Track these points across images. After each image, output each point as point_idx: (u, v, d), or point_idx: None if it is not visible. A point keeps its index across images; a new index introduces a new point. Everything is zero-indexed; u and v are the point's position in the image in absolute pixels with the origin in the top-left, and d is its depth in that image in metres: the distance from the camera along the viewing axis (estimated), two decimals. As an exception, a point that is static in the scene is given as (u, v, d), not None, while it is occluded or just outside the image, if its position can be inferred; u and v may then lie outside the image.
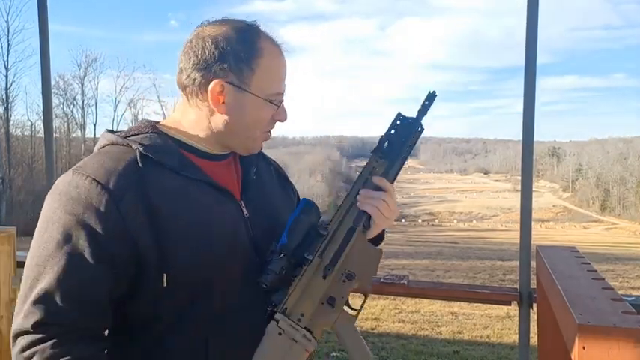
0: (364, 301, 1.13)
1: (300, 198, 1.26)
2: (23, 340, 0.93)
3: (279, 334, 1.04)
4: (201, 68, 1.04)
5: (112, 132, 1.10)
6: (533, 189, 2.51)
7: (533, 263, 2.02)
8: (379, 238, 1.21)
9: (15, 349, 0.94)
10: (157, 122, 1.14)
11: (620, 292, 1.30)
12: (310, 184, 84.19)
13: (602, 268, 11.07)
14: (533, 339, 2.07)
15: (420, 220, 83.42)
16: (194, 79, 1.05)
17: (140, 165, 1.00)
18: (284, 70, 1.11)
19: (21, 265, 2.84)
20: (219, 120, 1.08)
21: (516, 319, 2.57)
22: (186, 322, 1.02)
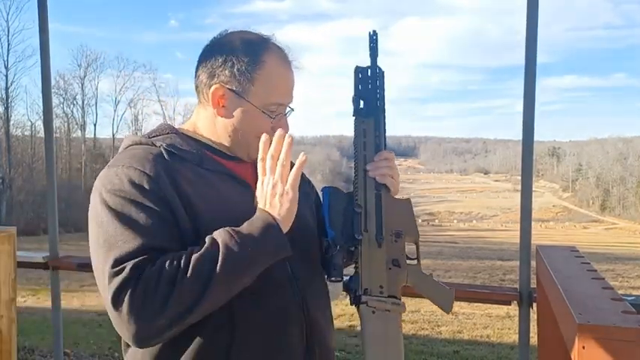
0: (418, 249, 1.21)
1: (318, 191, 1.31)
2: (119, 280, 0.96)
3: (373, 312, 1.11)
4: (208, 72, 1.15)
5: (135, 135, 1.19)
6: (533, 189, 2.51)
7: (533, 263, 2.02)
8: None
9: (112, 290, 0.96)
10: (175, 127, 1.22)
11: (620, 292, 1.30)
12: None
13: (602, 268, 11.07)
14: (533, 339, 2.07)
15: (419, 220, 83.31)
16: (202, 81, 1.16)
17: (166, 157, 1.09)
18: (288, 84, 1.17)
19: (21, 265, 2.84)
20: (221, 123, 1.16)
21: (516, 319, 2.57)
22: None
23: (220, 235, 1.00)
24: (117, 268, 0.96)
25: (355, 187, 1.18)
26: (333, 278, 1.11)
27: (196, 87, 1.18)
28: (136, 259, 0.96)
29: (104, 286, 0.97)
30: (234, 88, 1.13)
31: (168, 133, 1.17)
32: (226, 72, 1.13)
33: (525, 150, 2.33)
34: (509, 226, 66.14)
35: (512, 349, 5.38)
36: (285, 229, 1.05)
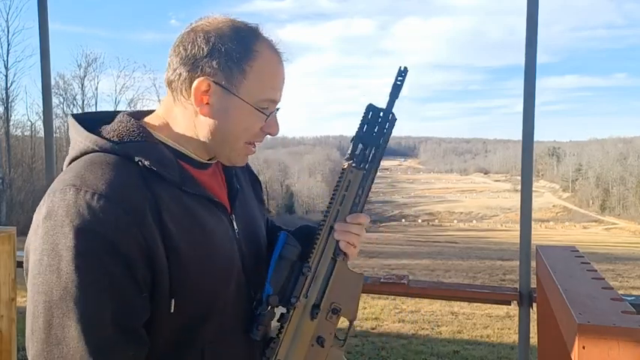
0: (349, 331, 1.10)
1: (280, 232, 1.15)
2: None
3: None
4: (188, 63, 0.96)
5: (90, 131, 0.97)
6: (533, 189, 2.51)
7: (533, 263, 2.02)
8: None
9: None
10: (141, 120, 1.03)
11: (620, 292, 1.30)
12: (310, 184, 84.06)
13: (602, 268, 11.05)
14: (533, 339, 2.07)
15: (420, 220, 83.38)
16: (180, 74, 0.97)
17: (146, 181, 0.91)
18: (280, 79, 1.03)
19: (21, 265, 2.83)
20: (203, 123, 0.99)
21: (516, 319, 2.57)
22: (185, 346, 0.98)
23: None
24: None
25: (315, 243, 1.06)
26: (252, 335, 1.01)
27: (170, 81, 0.99)
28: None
29: (32, 349, 0.83)
30: (222, 82, 0.96)
31: (141, 140, 0.96)
32: (213, 63, 0.95)
33: (525, 150, 2.33)
34: (509, 226, 66.18)
35: (512, 349, 5.38)
36: None
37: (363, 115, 1.09)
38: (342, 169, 1.09)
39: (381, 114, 1.09)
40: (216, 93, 0.97)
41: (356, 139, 1.08)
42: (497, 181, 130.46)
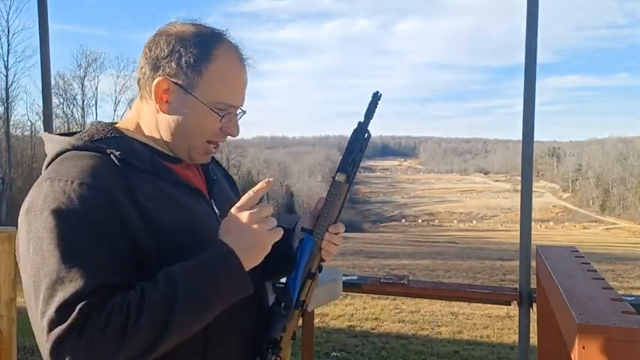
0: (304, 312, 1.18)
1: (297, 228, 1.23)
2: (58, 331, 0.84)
3: None
4: (151, 63, 1.04)
5: (61, 134, 1.08)
6: (534, 189, 2.51)
7: (533, 263, 2.02)
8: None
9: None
10: (115, 123, 1.11)
11: (620, 292, 1.30)
12: (310, 184, 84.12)
13: (602, 268, 11.07)
14: (533, 339, 2.07)
15: (420, 220, 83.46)
16: (145, 73, 1.05)
17: (119, 168, 0.97)
18: (240, 83, 1.07)
19: (21, 265, 2.84)
20: (163, 120, 1.06)
21: (516, 319, 2.57)
22: None
23: (177, 274, 0.89)
24: (59, 315, 0.83)
25: (316, 248, 1.12)
26: (269, 337, 1.05)
27: (138, 80, 1.06)
28: (81, 304, 0.83)
29: (42, 335, 0.84)
30: (180, 82, 1.02)
31: (113, 136, 1.04)
32: (172, 64, 1.02)
33: (525, 150, 2.33)
34: (509, 227, 66.21)
35: (512, 349, 5.38)
36: (248, 264, 0.96)
37: (352, 134, 1.15)
38: (334, 180, 1.14)
39: (365, 132, 1.15)
40: (175, 92, 1.03)
41: (348, 155, 1.14)
42: (497, 181, 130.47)
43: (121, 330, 0.83)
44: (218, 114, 1.05)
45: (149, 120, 1.08)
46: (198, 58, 1.02)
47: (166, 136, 1.07)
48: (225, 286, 0.93)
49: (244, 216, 0.96)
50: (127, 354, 0.84)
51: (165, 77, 1.02)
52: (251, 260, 0.96)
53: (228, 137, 1.12)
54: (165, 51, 1.02)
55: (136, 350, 0.85)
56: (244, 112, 1.11)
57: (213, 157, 1.20)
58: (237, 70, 1.07)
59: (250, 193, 0.98)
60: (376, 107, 1.15)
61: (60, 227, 0.88)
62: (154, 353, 0.87)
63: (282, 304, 1.08)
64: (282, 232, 1.00)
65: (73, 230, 0.88)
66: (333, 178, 1.14)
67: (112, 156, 0.98)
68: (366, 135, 1.15)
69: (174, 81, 1.02)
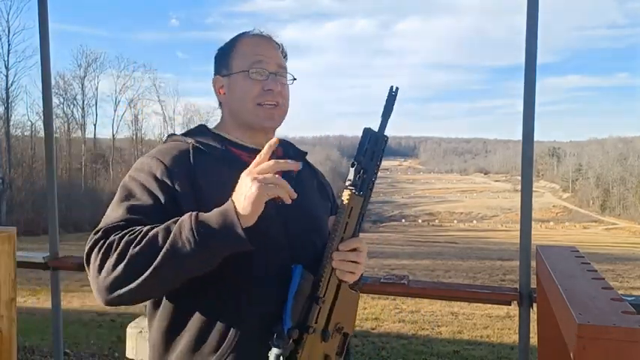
0: (347, 342, 1.19)
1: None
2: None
3: None
4: (214, 71, 1.34)
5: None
6: (534, 189, 2.51)
7: (533, 263, 2.02)
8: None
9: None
10: (209, 127, 1.37)
11: (620, 292, 1.30)
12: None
13: (602, 268, 11.06)
14: (533, 339, 2.07)
15: (420, 220, 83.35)
16: (212, 83, 1.35)
17: (192, 153, 1.22)
18: (264, 46, 1.29)
19: (21, 265, 2.84)
20: (226, 107, 1.33)
21: (516, 319, 2.57)
22: (216, 282, 1.11)
23: (184, 218, 1.04)
24: (94, 234, 1.09)
25: (322, 271, 1.13)
26: None
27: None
28: (110, 225, 1.08)
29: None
30: (223, 72, 1.30)
31: (199, 132, 1.32)
32: (216, 66, 1.33)
33: (525, 150, 2.33)
34: (510, 227, 66.16)
35: (512, 349, 5.38)
36: (246, 222, 1.02)
37: (361, 139, 1.12)
38: (341, 195, 1.13)
39: (377, 138, 1.13)
40: (224, 81, 1.31)
41: (358, 166, 1.11)
42: (497, 181, 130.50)
43: (127, 245, 1.03)
44: (253, 73, 1.25)
45: (223, 115, 1.35)
46: (228, 48, 1.31)
47: (231, 117, 1.31)
48: (220, 235, 1.02)
49: (247, 170, 1.07)
50: (126, 269, 1.01)
51: (217, 76, 1.32)
52: (243, 210, 1.02)
53: None
54: (215, 58, 1.34)
55: (133, 268, 1.01)
56: (295, 79, 1.32)
57: (311, 166, 1.43)
58: (259, 39, 1.31)
59: (262, 152, 1.08)
60: (393, 106, 1.14)
61: (126, 183, 1.19)
62: (146, 280, 1.01)
63: (275, 335, 1.07)
64: (281, 189, 1.03)
65: (133, 186, 1.17)
66: (339, 196, 1.14)
67: (190, 145, 1.24)
68: (384, 140, 1.14)
69: (221, 74, 1.31)
